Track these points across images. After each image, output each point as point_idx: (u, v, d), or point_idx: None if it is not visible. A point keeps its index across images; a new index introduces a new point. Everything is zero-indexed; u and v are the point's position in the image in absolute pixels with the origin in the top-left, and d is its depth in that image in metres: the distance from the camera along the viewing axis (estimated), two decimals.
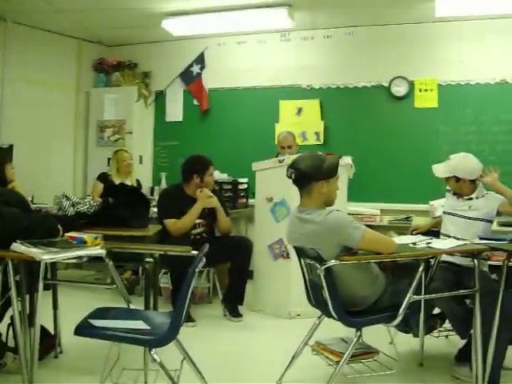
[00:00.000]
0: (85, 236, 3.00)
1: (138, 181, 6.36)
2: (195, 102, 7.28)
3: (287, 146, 5.74)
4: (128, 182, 6.00)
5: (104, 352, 2.89)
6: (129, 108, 7.33)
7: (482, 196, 3.90)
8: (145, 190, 6.88)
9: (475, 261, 3.36)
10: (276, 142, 6.09)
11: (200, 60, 7.24)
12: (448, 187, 4.17)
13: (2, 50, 6.50)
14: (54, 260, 2.64)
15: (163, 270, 5.18)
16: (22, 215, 2.85)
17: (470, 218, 3.86)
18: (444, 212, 4.11)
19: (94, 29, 7.08)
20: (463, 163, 3.97)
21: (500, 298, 3.28)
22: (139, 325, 2.68)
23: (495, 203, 3.85)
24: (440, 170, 4.07)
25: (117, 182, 5.91)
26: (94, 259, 3.01)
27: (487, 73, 6.23)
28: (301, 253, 3.22)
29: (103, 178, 6.03)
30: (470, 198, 3.90)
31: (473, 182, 3.93)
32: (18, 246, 2.67)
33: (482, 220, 3.86)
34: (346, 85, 6.71)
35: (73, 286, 5.16)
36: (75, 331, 2.63)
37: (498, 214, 3.91)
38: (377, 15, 6.38)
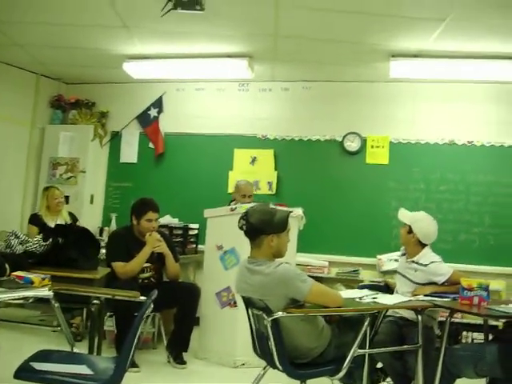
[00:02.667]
0: (32, 276, 2.96)
1: (71, 214, 6.21)
2: (150, 145, 7.28)
3: (248, 195, 5.82)
4: (60, 221, 5.86)
5: None
6: (84, 147, 7.28)
7: (430, 263, 3.91)
8: (94, 230, 6.80)
9: (419, 317, 3.45)
10: (233, 189, 6.15)
11: (158, 104, 7.29)
12: (402, 249, 4.25)
13: None
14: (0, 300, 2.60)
15: (108, 313, 5.10)
16: None
17: (414, 282, 3.93)
18: (396, 271, 4.21)
19: (53, 65, 7.05)
20: (424, 222, 4.07)
21: (442, 355, 3.36)
22: (82, 369, 2.65)
23: (440, 278, 3.87)
24: (404, 214, 4.15)
25: (48, 221, 5.82)
26: (40, 300, 2.96)
27: (437, 133, 6.48)
28: (249, 303, 3.24)
29: (35, 219, 5.91)
30: (413, 261, 3.98)
31: (420, 245, 4.00)
32: None
33: (425, 284, 3.91)
34: (301, 137, 6.85)
35: (15, 326, 5.01)
36: (15, 375, 2.58)
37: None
38: (334, 72, 6.57)
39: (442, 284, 3.84)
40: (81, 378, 2.56)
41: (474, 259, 6.11)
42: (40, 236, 3.87)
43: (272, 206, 4.68)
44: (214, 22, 5.19)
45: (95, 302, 3.44)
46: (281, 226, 3.23)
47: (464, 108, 6.42)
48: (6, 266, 3.02)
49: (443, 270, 3.87)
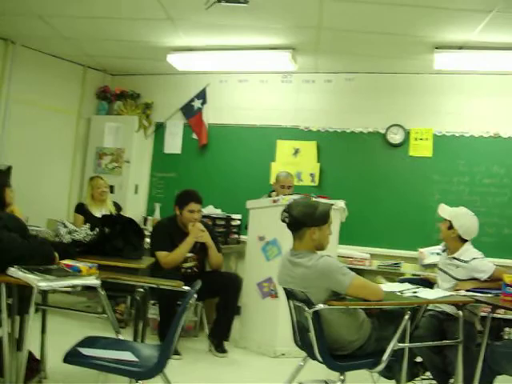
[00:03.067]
0: (80, 265, 3.06)
1: (116, 203, 6.32)
2: (194, 136, 7.36)
3: (287, 186, 5.86)
4: (104, 210, 5.98)
5: (89, 381, 2.92)
6: (128, 137, 7.42)
7: (472, 259, 3.87)
8: (138, 219, 6.93)
9: (460, 312, 3.44)
10: (274, 180, 6.19)
11: (202, 95, 7.36)
12: (443, 244, 4.23)
13: (8, 71, 6.59)
14: (49, 288, 2.69)
15: (152, 302, 5.21)
16: (20, 241, 2.90)
17: (455, 278, 3.91)
18: (437, 267, 4.20)
19: (99, 57, 7.20)
20: (465, 218, 4.03)
21: (483, 351, 3.35)
22: (127, 356, 2.73)
23: (482, 274, 3.82)
24: (445, 209, 4.13)
25: (94, 211, 5.94)
26: (87, 287, 3.06)
27: (481, 126, 6.38)
28: (290, 295, 3.28)
29: (81, 209, 6.02)
30: (454, 258, 3.95)
31: (461, 240, 3.97)
32: (15, 271, 2.72)
33: (467, 280, 3.88)
34: (344, 129, 6.83)
35: (62, 312, 5.15)
36: (64, 359, 2.67)
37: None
38: (377, 64, 6.54)
39: (485, 280, 3.80)
40: (126, 364, 2.65)
41: None
42: (87, 226, 3.97)
43: (314, 197, 4.75)
44: (258, 14, 5.22)
45: (140, 290, 3.51)
46: (323, 219, 3.25)
47: (509, 101, 6.30)
48: (56, 254, 3.12)
49: (485, 266, 3.83)
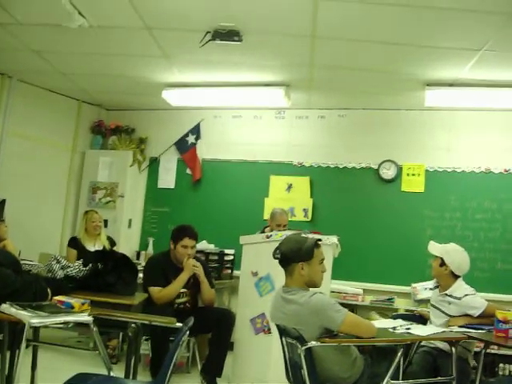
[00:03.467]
0: (73, 301, 3.06)
1: (109, 238, 6.30)
2: (188, 171, 7.40)
3: (283, 224, 5.83)
4: (98, 244, 6.00)
5: None
6: (122, 172, 7.45)
7: (464, 296, 3.89)
8: (131, 253, 6.93)
9: (453, 348, 3.44)
10: (268, 216, 6.20)
11: (196, 130, 7.43)
12: (434, 281, 4.24)
13: (4, 105, 6.62)
14: (42, 324, 2.69)
15: (144, 337, 5.18)
16: (13, 277, 2.90)
17: (448, 315, 3.92)
18: (430, 304, 4.21)
19: (94, 92, 7.27)
20: (456, 253, 4.06)
21: None
22: None
23: (475, 311, 3.83)
24: (435, 246, 4.16)
25: (87, 245, 5.95)
26: (79, 323, 3.05)
27: (473, 162, 6.45)
28: (283, 332, 3.28)
29: (74, 243, 6.02)
30: (446, 294, 3.96)
31: (453, 276, 3.99)
32: (7, 308, 2.71)
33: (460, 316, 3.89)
34: (337, 165, 6.89)
35: (53, 347, 5.11)
36: None
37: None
38: (369, 100, 6.64)
39: (477, 317, 3.81)
40: None
41: None
42: (80, 261, 3.98)
43: (306, 233, 4.76)
44: (251, 52, 5.32)
45: (132, 326, 3.51)
46: (309, 253, 3.28)
47: (500, 136, 6.38)
48: (48, 290, 3.12)
49: (477, 303, 3.85)
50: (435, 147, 6.63)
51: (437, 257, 4.06)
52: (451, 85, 5.76)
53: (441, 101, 6.06)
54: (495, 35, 4.49)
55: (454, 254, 4.03)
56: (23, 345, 2.89)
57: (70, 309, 2.99)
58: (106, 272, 3.96)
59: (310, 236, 3.72)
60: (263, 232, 5.73)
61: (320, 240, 3.51)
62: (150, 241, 7.29)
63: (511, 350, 4.48)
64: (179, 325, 3.12)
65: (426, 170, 6.60)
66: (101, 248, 5.81)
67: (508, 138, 6.37)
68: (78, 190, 7.66)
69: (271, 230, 5.73)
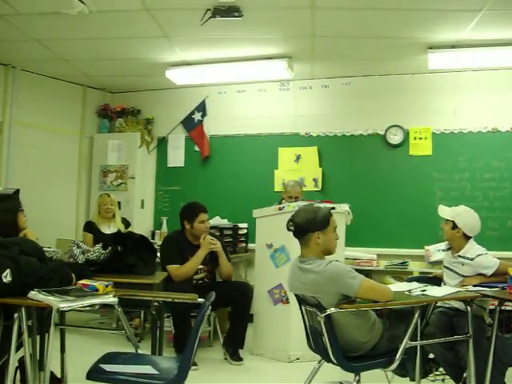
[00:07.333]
0: (96, 284, 3.14)
1: (124, 219, 6.38)
2: (196, 149, 7.46)
3: (295, 196, 5.85)
4: (113, 227, 6.09)
5: None
6: (131, 153, 7.52)
7: (477, 256, 3.92)
8: (146, 233, 7.01)
9: (468, 307, 3.51)
10: (282, 189, 6.27)
11: (201, 108, 7.46)
12: (446, 243, 4.30)
13: (10, 95, 6.70)
14: (70, 308, 2.77)
15: (166, 314, 5.28)
16: (38, 265, 2.98)
17: (462, 275, 3.97)
18: (443, 265, 4.27)
19: (98, 77, 7.32)
20: (467, 215, 4.09)
21: (493, 344, 3.42)
22: (148, 370, 2.81)
23: (488, 270, 3.88)
24: (445, 210, 4.18)
25: (102, 228, 6.05)
26: (104, 305, 3.14)
27: (479, 122, 6.46)
28: (302, 300, 3.37)
29: (89, 227, 6.12)
30: (459, 256, 4.01)
31: (465, 238, 4.03)
32: (35, 295, 2.80)
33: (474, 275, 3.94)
34: (343, 133, 6.92)
35: (75, 330, 5.18)
36: (87, 376, 2.75)
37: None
38: (372, 66, 6.65)
39: (490, 275, 3.88)
40: (148, 377, 2.73)
41: None
42: (100, 245, 4.05)
43: (318, 203, 4.84)
44: (252, 26, 5.34)
45: (155, 304, 3.59)
46: (324, 222, 3.35)
47: (506, 95, 6.38)
48: (73, 275, 3.21)
49: (490, 262, 3.89)
50: (441, 110, 6.64)
51: (448, 220, 4.10)
52: (453, 46, 5.77)
53: (444, 63, 6.07)
54: None
55: (466, 216, 4.06)
56: (52, 328, 2.98)
57: (94, 292, 3.07)
58: (125, 254, 4.05)
59: (322, 205, 3.79)
60: (280, 203, 5.78)
61: (333, 208, 3.58)
62: (164, 220, 7.39)
63: None
64: (201, 300, 3.20)
65: (433, 133, 6.61)
66: (116, 230, 5.88)
67: None
68: (89, 174, 7.75)
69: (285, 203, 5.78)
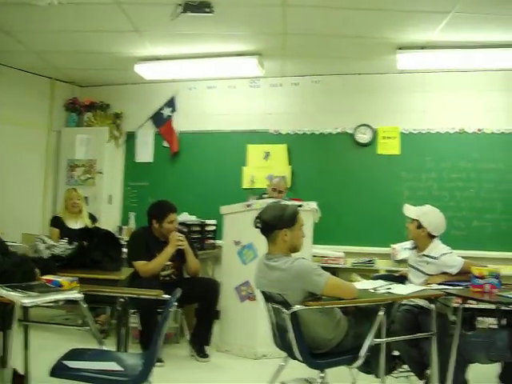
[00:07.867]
0: (61, 279, 3.11)
1: (91, 214, 6.29)
2: (165, 144, 7.42)
3: (278, 190, 5.98)
4: (80, 222, 6.00)
5: None
6: (100, 148, 7.45)
7: (442, 255, 3.99)
8: (113, 229, 6.94)
9: (432, 305, 3.56)
10: (268, 184, 6.28)
11: (171, 103, 7.42)
12: (412, 242, 4.34)
13: None
14: (33, 304, 2.73)
15: (131, 311, 5.24)
16: (0, 259, 2.94)
17: (427, 274, 4.03)
18: (408, 264, 4.31)
19: (66, 70, 7.21)
20: (432, 215, 4.14)
21: (456, 340, 3.48)
22: (113, 366, 2.79)
23: (453, 269, 3.94)
24: (410, 210, 4.23)
25: (69, 223, 5.96)
26: (68, 300, 3.11)
27: (447, 123, 6.54)
28: (268, 298, 3.37)
29: (56, 222, 6.03)
30: (424, 255, 4.06)
31: (430, 237, 4.09)
32: None
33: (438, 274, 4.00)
34: (313, 131, 6.95)
35: (40, 326, 5.13)
36: (51, 373, 2.72)
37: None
38: (342, 65, 6.68)
39: (455, 274, 3.93)
40: (112, 374, 2.71)
41: (487, 245, 6.19)
42: (65, 240, 4.02)
43: (286, 200, 4.86)
44: (223, 23, 5.32)
45: (120, 300, 3.57)
46: (291, 219, 3.37)
47: (473, 96, 6.48)
48: (36, 270, 3.17)
49: (455, 261, 3.95)
50: (409, 110, 6.72)
51: (413, 219, 4.15)
52: (423, 47, 5.84)
53: (413, 64, 6.14)
54: None
55: (431, 216, 4.11)
56: (15, 325, 2.95)
57: (59, 287, 3.04)
58: (91, 249, 4.02)
59: (290, 203, 3.81)
60: (261, 198, 5.77)
61: (300, 206, 3.60)
62: (132, 215, 7.34)
63: (488, 303, 4.60)
64: (167, 297, 3.19)
65: (401, 133, 6.68)
66: (83, 225, 5.82)
67: (480, 98, 6.47)
68: (56, 168, 7.65)
69: (269, 197, 5.78)
